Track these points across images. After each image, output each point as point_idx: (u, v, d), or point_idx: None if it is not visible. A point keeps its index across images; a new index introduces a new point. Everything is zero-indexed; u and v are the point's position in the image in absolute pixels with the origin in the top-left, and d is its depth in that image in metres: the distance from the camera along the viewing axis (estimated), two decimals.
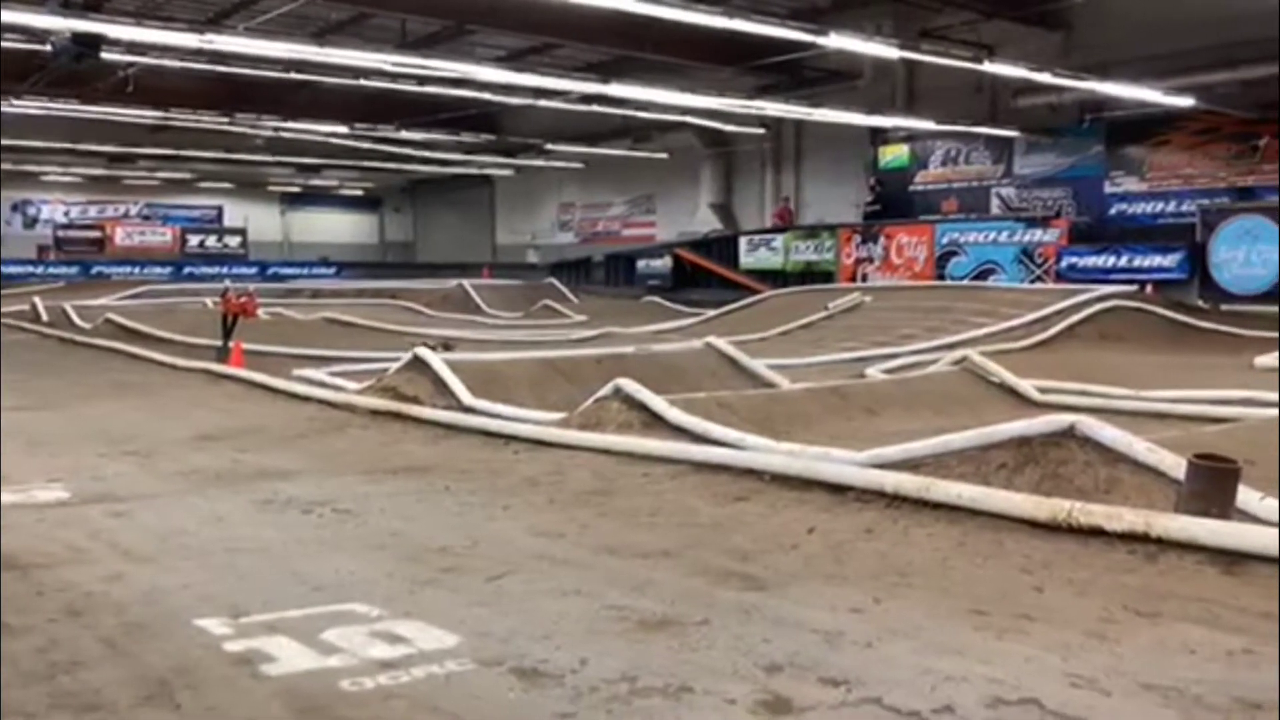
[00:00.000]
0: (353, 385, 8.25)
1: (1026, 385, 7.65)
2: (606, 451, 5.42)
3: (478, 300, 19.96)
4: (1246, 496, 3.76)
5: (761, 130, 22.84)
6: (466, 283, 21.17)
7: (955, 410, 6.86)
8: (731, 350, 8.83)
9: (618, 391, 6.37)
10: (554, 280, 22.90)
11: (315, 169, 31.84)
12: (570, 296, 21.01)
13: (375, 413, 7.03)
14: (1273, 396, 7.18)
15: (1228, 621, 2.80)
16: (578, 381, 7.58)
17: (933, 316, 13.64)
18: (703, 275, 21.92)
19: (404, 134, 23.58)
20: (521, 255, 30.23)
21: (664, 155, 25.67)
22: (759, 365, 8.66)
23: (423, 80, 17.13)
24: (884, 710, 2.25)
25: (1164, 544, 3.40)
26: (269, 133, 23.62)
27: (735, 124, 21.91)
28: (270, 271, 28.95)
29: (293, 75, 16.68)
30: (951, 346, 10.63)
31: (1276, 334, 12.45)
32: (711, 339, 9.20)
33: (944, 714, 2.22)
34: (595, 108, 19.18)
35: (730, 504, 4.34)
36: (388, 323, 14.35)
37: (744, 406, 6.57)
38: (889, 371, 9.42)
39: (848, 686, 2.37)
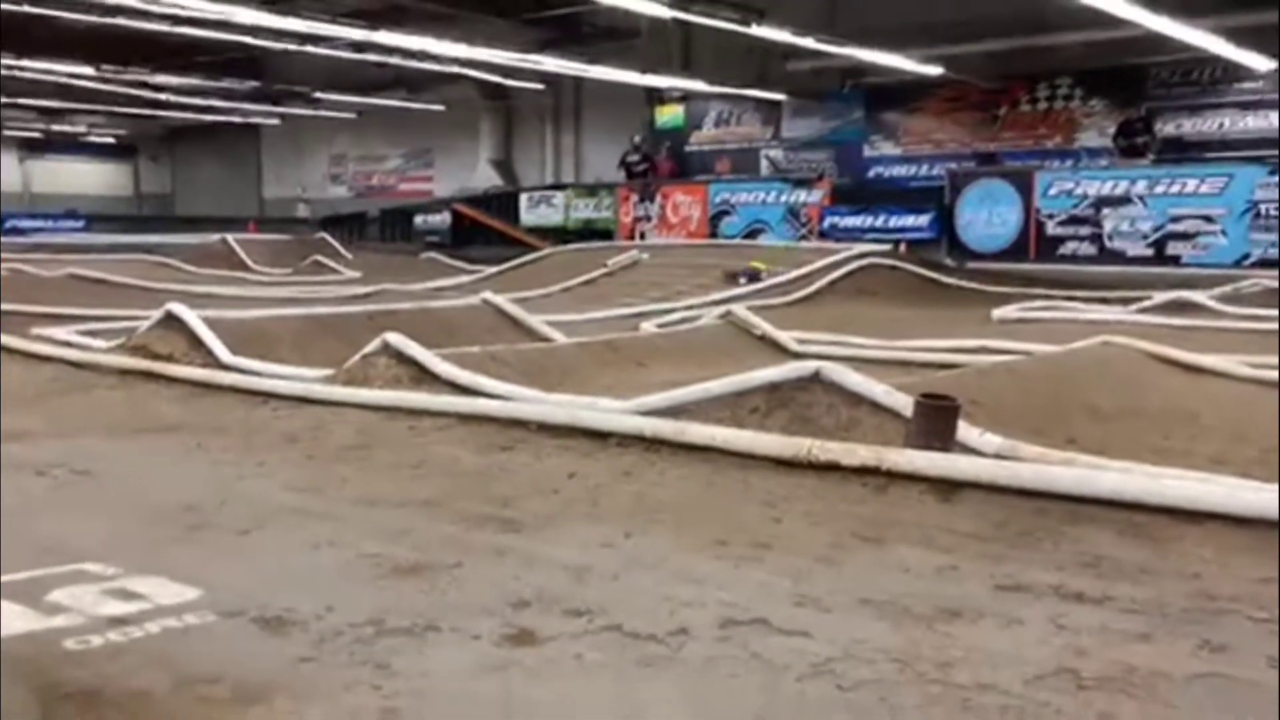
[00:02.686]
0: (100, 344, 7.73)
1: (786, 337, 8.03)
2: (371, 407, 5.33)
3: (243, 256, 18.97)
4: (968, 432, 4.11)
5: (541, 86, 22.75)
6: (231, 237, 20.05)
7: (720, 361, 7.10)
8: (509, 306, 8.81)
9: (386, 347, 6.24)
10: (326, 235, 22.07)
11: (58, 113, 29.34)
12: (344, 252, 20.30)
13: (124, 372, 6.62)
14: (1004, 345, 7.87)
15: (940, 543, 3.08)
16: (347, 339, 7.35)
17: (706, 273, 14.08)
18: (483, 232, 21.74)
19: (159, 77, 22.07)
20: (291, 209, 28.99)
21: (441, 107, 25.17)
22: (536, 321, 8.69)
23: (178, 20, 16.07)
24: (623, 636, 2.36)
25: (893, 476, 3.67)
26: (1, 71, 21.56)
27: (514, 79, 21.72)
28: (9, 225, 26.50)
29: (25, 8, 15.28)
30: (722, 302, 11.00)
31: (1014, 289, 13.63)
32: (488, 294, 9.15)
33: (679, 636, 2.35)
34: (367, 56, 18.57)
35: (495, 453, 4.38)
36: (142, 279, 13.48)
37: (517, 360, 6.58)
38: (662, 326, 9.67)
39: (590, 616, 2.47)
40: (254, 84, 24.15)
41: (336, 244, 21.15)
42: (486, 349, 6.76)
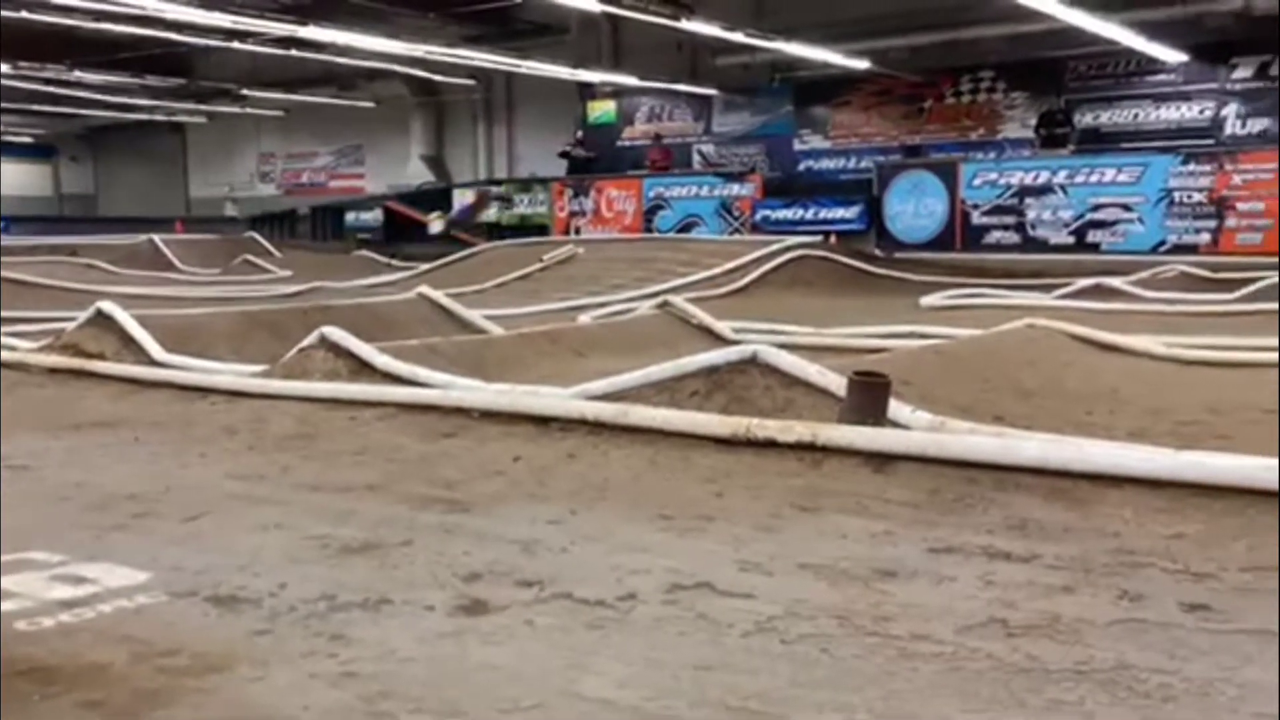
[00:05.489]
0: (27, 344, 7.57)
1: (722, 326, 8.16)
2: (310, 399, 5.32)
3: (170, 256, 18.65)
4: (900, 410, 4.25)
5: (472, 82, 22.66)
6: (157, 238, 19.69)
7: (657, 350, 7.19)
8: (444, 300, 8.81)
9: (323, 340, 6.21)
10: (255, 235, 21.74)
11: None
12: (274, 251, 20.03)
13: (53, 371, 6.52)
14: (932, 329, 8.08)
15: (875, 511, 3.20)
16: (282, 335, 7.31)
17: (641, 267, 14.19)
18: (416, 228, 21.59)
19: (78, 75, 21.54)
20: (219, 209, 28.51)
21: (371, 104, 24.93)
22: (473, 314, 8.69)
23: (99, 16, 15.73)
24: (574, 602, 2.43)
25: (828, 451, 3.79)
26: None
27: (445, 74, 21.60)
28: None
29: None
30: (658, 295, 11.10)
31: (941, 278, 13.94)
32: (424, 289, 9.13)
33: (628, 600, 2.43)
34: (294, 52, 18.34)
35: (438, 440, 4.41)
36: (66, 281, 13.18)
37: (456, 352, 6.59)
38: (599, 318, 9.73)
39: (541, 586, 2.53)
40: (179, 81, 23.69)
41: (266, 243, 20.83)
42: (425, 341, 6.76)
